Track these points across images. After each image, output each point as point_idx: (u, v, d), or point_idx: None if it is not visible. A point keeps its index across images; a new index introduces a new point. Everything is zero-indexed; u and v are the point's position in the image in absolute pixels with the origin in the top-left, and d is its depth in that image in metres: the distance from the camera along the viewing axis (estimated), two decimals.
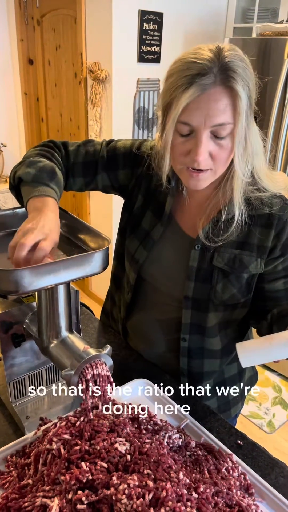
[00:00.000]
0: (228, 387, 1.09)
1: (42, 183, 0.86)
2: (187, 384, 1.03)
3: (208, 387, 1.07)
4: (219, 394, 1.09)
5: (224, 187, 0.90)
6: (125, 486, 0.63)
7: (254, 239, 0.92)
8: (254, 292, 0.98)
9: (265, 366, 2.73)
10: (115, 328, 1.22)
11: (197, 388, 1.04)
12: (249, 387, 1.17)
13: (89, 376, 0.76)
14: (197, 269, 0.95)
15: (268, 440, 2.18)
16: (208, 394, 1.07)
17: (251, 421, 2.32)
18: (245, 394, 1.16)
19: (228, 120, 0.78)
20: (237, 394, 1.12)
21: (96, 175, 1.04)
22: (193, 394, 1.01)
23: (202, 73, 0.75)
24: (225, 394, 1.10)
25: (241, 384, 1.13)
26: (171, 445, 0.78)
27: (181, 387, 1.01)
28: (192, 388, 1.02)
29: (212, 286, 0.95)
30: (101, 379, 0.78)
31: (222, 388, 1.09)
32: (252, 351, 0.82)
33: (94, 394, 0.78)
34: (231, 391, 1.10)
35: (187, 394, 1.00)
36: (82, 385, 0.76)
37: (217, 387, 1.08)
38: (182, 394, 0.99)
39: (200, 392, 1.05)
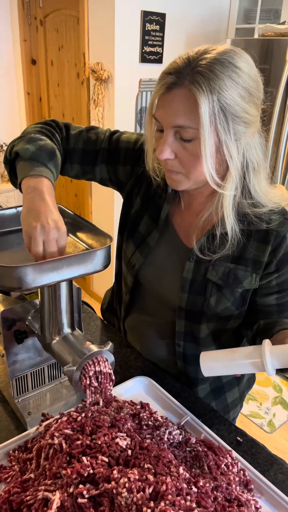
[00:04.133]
0: (226, 392, 1.09)
1: (40, 162, 0.83)
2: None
3: (204, 392, 1.06)
4: (217, 399, 1.08)
5: (218, 201, 0.86)
6: (126, 480, 0.64)
7: (250, 254, 0.90)
8: (248, 305, 0.97)
9: None
10: (116, 325, 1.22)
11: (193, 390, 1.05)
12: (247, 390, 1.17)
13: (91, 373, 0.77)
14: (191, 281, 0.94)
15: (268, 440, 2.19)
16: (205, 398, 1.07)
17: (251, 420, 2.32)
18: (244, 396, 1.16)
19: (189, 124, 0.76)
20: (235, 398, 1.12)
21: (95, 166, 1.02)
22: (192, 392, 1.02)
23: (171, 72, 0.76)
24: (224, 398, 1.09)
25: (240, 388, 1.12)
26: (171, 441, 0.79)
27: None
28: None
29: (205, 298, 0.94)
30: (102, 376, 0.79)
31: (221, 393, 1.08)
32: (213, 362, 0.82)
33: (96, 390, 0.79)
34: (229, 396, 1.09)
35: (186, 393, 1.01)
36: (84, 381, 0.77)
37: (214, 392, 1.08)
38: (182, 392, 1.00)
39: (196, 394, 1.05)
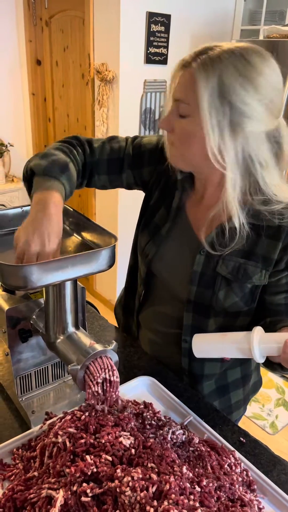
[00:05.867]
0: (230, 392, 1.09)
1: (52, 176, 0.86)
2: (188, 385, 1.04)
3: (208, 389, 1.07)
4: (221, 398, 1.08)
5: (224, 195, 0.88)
6: (129, 478, 0.64)
7: (260, 250, 0.90)
8: (257, 302, 0.97)
9: None
10: (131, 320, 1.21)
11: (197, 388, 1.05)
12: (253, 394, 1.17)
13: (100, 379, 0.78)
14: (201, 274, 0.95)
15: (270, 441, 2.19)
16: (209, 396, 1.07)
17: (254, 422, 2.32)
18: (249, 399, 1.16)
19: (185, 99, 0.80)
20: (239, 399, 1.11)
21: (121, 173, 1.06)
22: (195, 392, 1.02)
23: (191, 55, 0.81)
24: (228, 398, 1.09)
25: (245, 389, 1.12)
26: (174, 441, 0.79)
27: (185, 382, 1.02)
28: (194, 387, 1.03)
29: (214, 292, 0.94)
30: (108, 385, 0.79)
31: (225, 392, 1.08)
32: (205, 344, 0.85)
33: (100, 398, 0.79)
34: (233, 396, 1.09)
35: (190, 393, 1.01)
36: (92, 387, 0.77)
37: (219, 391, 1.08)
38: (185, 392, 1.00)
39: (200, 393, 1.05)
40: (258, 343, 0.79)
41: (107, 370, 0.78)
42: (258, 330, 0.81)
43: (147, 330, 1.15)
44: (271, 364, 0.87)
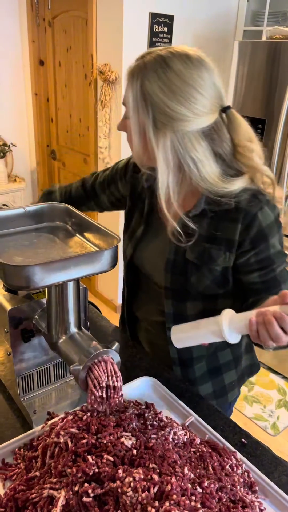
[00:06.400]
0: (223, 373, 1.13)
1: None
2: (179, 371, 1.10)
3: (200, 371, 1.10)
4: (214, 379, 1.12)
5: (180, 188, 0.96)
6: (131, 479, 0.64)
7: (222, 233, 0.94)
8: (237, 284, 1.01)
9: (269, 369, 2.73)
10: (129, 316, 1.27)
11: (189, 372, 1.09)
12: (248, 376, 1.21)
13: (103, 384, 0.78)
14: (173, 261, 1.01)
15: (272, 443, 2.18)
16: (202, 378, 1.11)
17: (255, 423, 2.32)
18: (244, 381, 1.20)
19: (125, 102, 0.91)
20: (233, 380, 1.15)
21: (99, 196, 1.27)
22: (194, 391, 1.02)
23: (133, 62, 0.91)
24: (221, 379, 1.13)
25: (237, 370, 1.15)
26: (176, 441, 0.79)
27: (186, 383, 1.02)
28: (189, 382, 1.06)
29: (187, 278, 1.00)
30: (112, 391, 0.79)
31: (218, 373, 1.12)
32: (182, 333, 0.90)
33: (102, 402, 0.79)
34: (227, 377, 1.14)
35: (191, 393, 1.01)
36: (96, 393, 0.78)
37: (211, 373, 1.12)
38: (186, 392, 1.00)
39: (193, 376, 1.09)
40: (228, 324, 0.82)
41: (110, 377, 0.78)
42: (227, 312, 0.85)
43: (142, 327, 1.22)
44: (259, 344, 0.91)
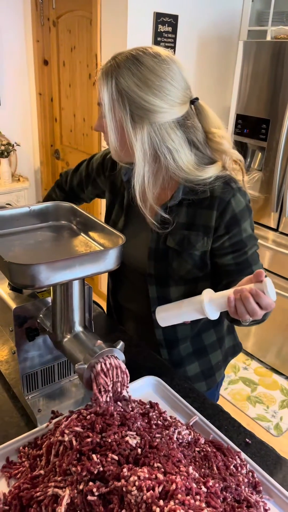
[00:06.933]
0: (209, 354, 1.19)
1: None
2: (166, 353, 1.16)
3: (186, 351, 1.16)
4: (201, 360, 1.18)
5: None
6: (136, 478, 0.64)
7: (199, 220, 1.01)
8: (212, 267, 1.07)
9: (273, 370, 2.72)
10: (114, 305, 1.32)
11: (175, 353, 1.15)
12: (232, 356, 1.28)
13: (109, 387, 0.78)
14: (155, 249, 1.07)
15: (275, 443, 2.18)
16: (188, 358, 1.17)
17: (258, 423, 2.32)
18: (228, 361, 1.27)
19: (100, 101, 0.95)
20: (219, 360, 1.22)
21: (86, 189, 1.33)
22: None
23: (102, 65, 0.96)
24: (208, 360, 1.20)
25: (222, 350, 1.22)
26: (180, 441, 0.79)
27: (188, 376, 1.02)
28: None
29: (169, 263, 1.06)
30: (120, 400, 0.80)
31: (203, 354, 1.18)
32: (165, 312, 0.99)
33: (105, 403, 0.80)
34: (213, 357, 1.20)
35: (195, 393, 1.01)
36: (102, 396, 0.78)
37: (197, 354, 1.18)
38: (191, 392, 1.00)
39: (179, 356, 1.15)
40: (209, 301, 0.92)
41: (119, 384, 0.79)
42: (207, 291, 0.94)
43: (127, 315, 1.28)
44: (234, 320, 0.99)
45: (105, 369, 0.78)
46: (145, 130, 0.92)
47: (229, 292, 0.88)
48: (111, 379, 0.78)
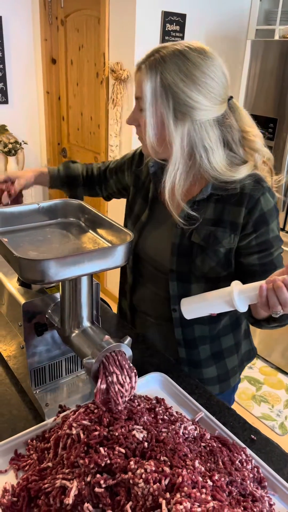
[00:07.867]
0: (226, 358, 1.18)
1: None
2: (184, 352, 1.14)
3: (204, 354, 1.15)
4: (218, 363, 1.17)
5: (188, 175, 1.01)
6: (142, 471, 0.65)
7: (227, 216, 0.99)
8: (236, 267, 1.05)
9: (278, 369, 2.72)
10: (124, 307, 1.30)
11: (194, 353, 1.14)
12: (247, 361, 1.26)
13: (126, 395, 0.79)
14: (179, 245, 1.05)
15: (280, 442, 2.17)
16: (206, 361, 1.15)
17: (263, 422, 2.32)
18: (243, 366, 1.25)
19: (140, 95, 0.93)
20: (235, 365, 1.20)
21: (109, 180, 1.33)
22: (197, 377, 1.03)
23: (142, 58, 0.94)
24: (224, 364, 1.18)
25: (239, 355, 1.21)
26: (186, 436, 0.80)
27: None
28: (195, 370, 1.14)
29: (192, 260, 1.04)
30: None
31: (220, 358, 1.17)
32: (191, 304, 0.97)
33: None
34: (229, 362, 1.18)
35: (201, 390, 1.02)
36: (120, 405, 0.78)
37: (215, 357, 1.16)
38: (197, 389, 1.01)
39: (198, 357, 1.14)
40: (238, 293, 0.89)
41: (127, 396, 0.79)
42: (236, 282, 0.92)
43: (143, 312, 1.24)
44: (257, 322, 1.00)
45: (121, 381, 0.78)
46: (186, 127, 0.92)
47: (260, 283, 0.86)
48: (122, 385, 0.79)
